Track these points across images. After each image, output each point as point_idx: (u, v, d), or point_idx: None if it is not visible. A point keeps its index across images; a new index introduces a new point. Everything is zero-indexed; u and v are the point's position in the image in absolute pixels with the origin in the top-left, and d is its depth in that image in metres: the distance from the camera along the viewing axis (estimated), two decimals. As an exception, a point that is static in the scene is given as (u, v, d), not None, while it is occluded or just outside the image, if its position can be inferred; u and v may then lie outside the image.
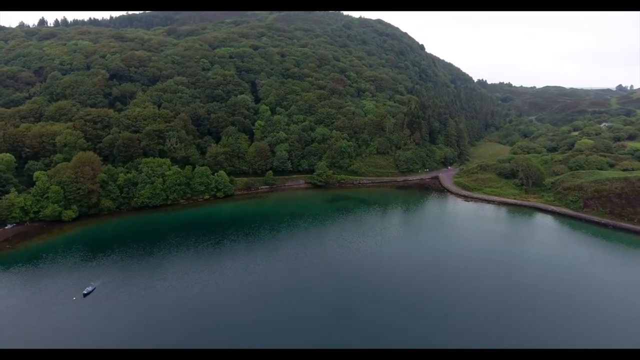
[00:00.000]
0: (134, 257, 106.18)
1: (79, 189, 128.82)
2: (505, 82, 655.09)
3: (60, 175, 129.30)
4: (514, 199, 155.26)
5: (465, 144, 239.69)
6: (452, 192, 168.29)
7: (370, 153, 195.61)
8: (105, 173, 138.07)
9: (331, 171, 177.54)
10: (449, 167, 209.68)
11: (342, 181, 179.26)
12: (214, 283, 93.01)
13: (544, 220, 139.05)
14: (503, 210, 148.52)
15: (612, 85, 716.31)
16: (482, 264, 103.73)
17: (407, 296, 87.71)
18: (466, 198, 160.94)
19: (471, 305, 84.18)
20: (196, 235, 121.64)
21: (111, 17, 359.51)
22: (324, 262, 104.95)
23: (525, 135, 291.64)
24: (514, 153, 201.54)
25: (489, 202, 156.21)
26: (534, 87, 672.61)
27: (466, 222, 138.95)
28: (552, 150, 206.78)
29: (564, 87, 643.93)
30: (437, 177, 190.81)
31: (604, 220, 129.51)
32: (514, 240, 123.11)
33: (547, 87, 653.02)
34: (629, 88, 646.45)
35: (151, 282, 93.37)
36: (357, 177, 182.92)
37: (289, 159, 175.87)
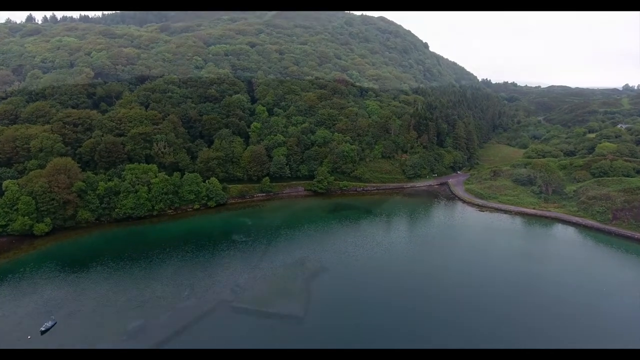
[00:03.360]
0: (111, 279, 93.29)
1: (53, 199, 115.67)
2: (509, 82, 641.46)
3: (32, 185, 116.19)
4: (533, 208, 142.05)
5: (474, 147, 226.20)
6: (464, 201, 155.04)
7: (375, 157, 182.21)
8: (83, 181, 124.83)
9: (333, 177, 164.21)
10: (459, 172, 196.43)
11: (345, 188, 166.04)
12: (198, 315, 79.89)
13: (568, 234, 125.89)
14: (522, 222, 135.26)
15: (614, 85, 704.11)
16: (504, 288, 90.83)
17: (418, 326, 74.85)
18: (480, 208, 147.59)
19: (490, 336, 71.35)
20: (183, 251, 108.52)
21: (103, 14, 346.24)
22: (326, 283, 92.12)
23: (535, 137, 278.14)
24: (529, 157, 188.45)
25: (505, 212, 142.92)
26: (539, 86, 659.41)
27: (483, 236, 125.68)
28: (570, 154, 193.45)
29: (569, 87, 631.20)
30: (446, 184, 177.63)
31: (637, 235, 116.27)
32: (538, 258, 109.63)
33: (552, 86, 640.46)
34: (636, 87, 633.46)
35: (125, 312, 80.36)
36: (360, 184, 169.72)
37: (287, 164, 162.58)
